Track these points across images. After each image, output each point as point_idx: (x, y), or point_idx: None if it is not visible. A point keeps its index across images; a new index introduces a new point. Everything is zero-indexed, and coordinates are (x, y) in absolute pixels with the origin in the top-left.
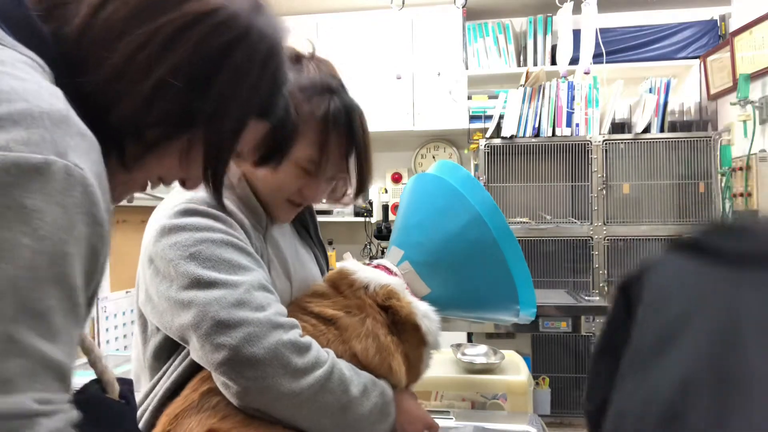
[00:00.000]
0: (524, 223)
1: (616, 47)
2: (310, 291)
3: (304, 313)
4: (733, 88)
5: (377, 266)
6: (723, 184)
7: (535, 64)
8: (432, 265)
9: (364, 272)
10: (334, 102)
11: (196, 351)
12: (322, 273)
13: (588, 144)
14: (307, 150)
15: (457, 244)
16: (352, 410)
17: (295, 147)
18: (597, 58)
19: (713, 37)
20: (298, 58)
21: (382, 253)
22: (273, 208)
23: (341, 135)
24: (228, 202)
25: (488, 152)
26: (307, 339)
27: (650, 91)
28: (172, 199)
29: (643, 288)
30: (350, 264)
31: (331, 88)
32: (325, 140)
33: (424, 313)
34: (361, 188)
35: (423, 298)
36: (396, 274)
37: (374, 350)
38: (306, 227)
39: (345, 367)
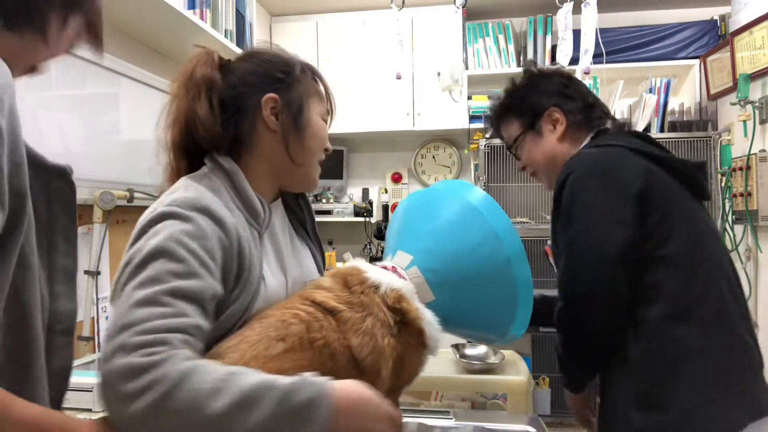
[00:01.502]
0: (524, 223)
1: (616, 47)
2: (316, 284)
3: (304, 303)
4: (733, 88)
5: (387, 267)
6: (723, 184)
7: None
8: (440, 273)
9: (377, 273)
10: (310, 64)
11: None
12: (319, 268)
13: None
14: (323, 104)
15: (469, 257)
16: (221, 428)
17: (314, 106)
18: (597, 58)
19: (713, 37)
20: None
21: (383, 252)
22: (311, 173)
23: (324, 86)
24: (220, 201)
25: (488, 152)
26: (154, 358)
27: (650, 91)
28: (159, 200)
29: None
30: (363, 264)
31: (299, 58)
32: (325, 92)
33: (429, 320)
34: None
35: (426, 306)
36: (405, 278)
37: (369, 349)
38: (302, 223)
39: (214, 379)
